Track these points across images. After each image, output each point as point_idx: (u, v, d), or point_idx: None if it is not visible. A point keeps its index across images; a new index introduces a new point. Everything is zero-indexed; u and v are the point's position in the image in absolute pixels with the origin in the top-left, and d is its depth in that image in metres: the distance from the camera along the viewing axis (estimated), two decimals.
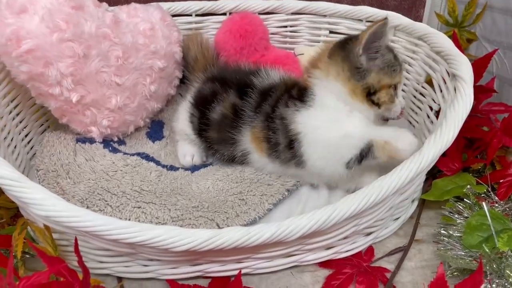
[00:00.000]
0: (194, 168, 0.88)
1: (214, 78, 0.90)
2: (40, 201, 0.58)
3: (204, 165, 0.89)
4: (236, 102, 0.81)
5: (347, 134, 0.71)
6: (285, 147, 0.75)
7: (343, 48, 0.73)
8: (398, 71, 0.74)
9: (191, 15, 1.12)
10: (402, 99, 0.76)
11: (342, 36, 1.10)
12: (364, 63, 0.72)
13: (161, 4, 1.03)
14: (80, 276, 0.57)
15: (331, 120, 0.73)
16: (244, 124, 0.80)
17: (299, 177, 0.80)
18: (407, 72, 1.02)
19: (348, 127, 0.72)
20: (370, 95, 0.72)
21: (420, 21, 1.29)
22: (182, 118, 0.90)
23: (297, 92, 0.77)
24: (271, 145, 0.77)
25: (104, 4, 0.87)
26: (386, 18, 0.71)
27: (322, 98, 0.74)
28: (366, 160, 0.71)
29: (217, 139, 0.84)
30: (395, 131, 0.71)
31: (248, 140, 0.80)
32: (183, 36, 1.04)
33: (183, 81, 1.07)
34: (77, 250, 0.59)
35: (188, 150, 0.90)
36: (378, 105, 0.73)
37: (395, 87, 0.74)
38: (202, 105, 0.85)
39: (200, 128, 0.86)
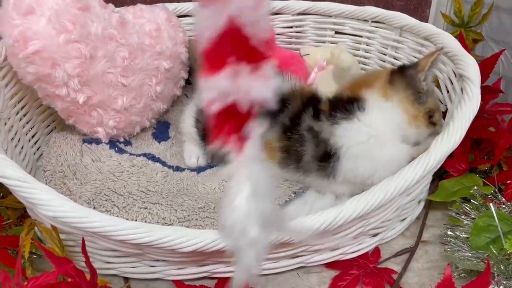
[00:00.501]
0: (200, 169, 0.88)
1: None
2: (47, 202, 0.58)
3: (210, 166, 0.89)
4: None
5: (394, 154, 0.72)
6: (313, 158, 0.74)
7: (405, 75, 0.75)
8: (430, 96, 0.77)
9: None
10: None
11: (348, 37, 1.13)
12: (425, 88, 0.74)
13: (167, 5, 1.03)
14: (87, 276, 0.58)
15: (374, 142, 0.72)
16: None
17: (307, 184, 0.80)
18: None
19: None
20: (430, 117, 0.75)
21: (426, 21, 1.29)
22: (188, 122, 0.90)
23: (328, 106, 0.76)
24: (292, 156, 0.76)
25: (111, 5, 0.87)
26: (442, 48, 0.77)
27: (374, 116, 0.73)
28: None
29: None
30: None
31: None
32: (190, 39, 1.04)
33: (188, 81, 1.07)
34: (84, 251, 0.60)
35: (193, 151, 0.90)
36: (435, 124, 0.76)
37: None
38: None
39: (205, 134, 0.87)
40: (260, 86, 0.32)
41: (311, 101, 0.78)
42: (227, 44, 0.30)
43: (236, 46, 0.30)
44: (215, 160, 0.91)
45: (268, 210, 0.39)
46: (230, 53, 0.31)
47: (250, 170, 0.37)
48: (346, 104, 0.75)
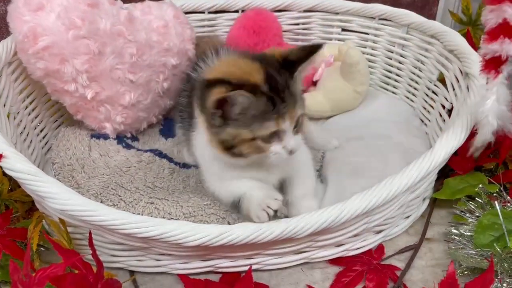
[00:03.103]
0: None
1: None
2: (56, 195, 0.59)
3: None
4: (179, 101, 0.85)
5: (223, 186, 0.71)
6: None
7: (203, 93, 0.63)
8: (277, 118, 0.61)
9: (203, 12, 1.13)
10: (291, 143, 0.64)
11: (354, 34, 1.13)
12: (218, 122, 0.62)
13: (174, 1, 1.04)
14: (94, 269, 0.59)
15: (208, 160, 0.71)
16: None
17: None
18: (420, 71, 1.01)
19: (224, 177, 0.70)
20: (229, 148, 0.64)
21: (434, 19, 1.29)
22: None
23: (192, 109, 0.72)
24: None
25: (119, 2, 0.88)
26: (238, 90, 0.58)
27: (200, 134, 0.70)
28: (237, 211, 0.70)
29: None
30: (260, 190, 0.68)
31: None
32: (199, 37, 1.05)
33: None
34: (91, 244, 0.60)
35: None
36: (242, 155, 0.64)
37: (273, 135, 0.63)
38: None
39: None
40: None
41: None
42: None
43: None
44: None
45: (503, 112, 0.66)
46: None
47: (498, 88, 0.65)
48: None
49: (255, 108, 0.60)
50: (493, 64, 0.64)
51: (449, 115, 0.87)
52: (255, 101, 0.60)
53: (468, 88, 0.76)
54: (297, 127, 0.65)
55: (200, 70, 0.76)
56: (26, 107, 0.86)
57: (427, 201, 0.84)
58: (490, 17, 0.62)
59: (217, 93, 0.59)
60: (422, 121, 1.01)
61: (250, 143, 0.63)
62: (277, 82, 0.62)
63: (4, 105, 0.77)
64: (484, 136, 0.68)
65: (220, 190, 0.72)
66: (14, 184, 0.82)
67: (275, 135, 0.63)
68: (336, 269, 0.73)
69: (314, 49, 0.64)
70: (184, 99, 0.81)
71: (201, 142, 0.70)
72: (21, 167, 0.61)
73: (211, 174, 0.73)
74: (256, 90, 0.60)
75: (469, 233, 0.73)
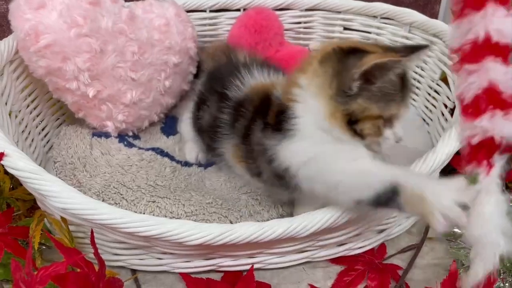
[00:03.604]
0: (207, 164, 0.88)
1: (204, 81, 0.89)
2: (58, 194, 0.59)
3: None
4: (216, 115, 0.76)
5: (357, 171, 0.59)
6: (272, 176, 0.67)
7: (341, 60, 0.59)
8: (398, 101, 0.59)
9: (205, 11, 1.12)
10: (400, 131, 0.62)
11: (356, 33, 1.13)
12: (355, 90, 0.57)
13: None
14: (96, 267, 0.59)
15: (322, 154, 0.61)
16: (224, 139, 0.75)
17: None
18: (422, 70, 1.01)
19: (352, 160, 0.60)
20: (351, 123, 0.59)
21: (436, 18, 1.28)
22: (186, 122, 0.90)
23: (274, 117, 0.65)
24: (252, 168, 0.71)
25: (120, 0, 0.88)
26: (404, 57, 0.57)
27: (305, 121, 0.61)
28: (388, 208, 0.56)
29: (208, 147, 0.83)
30: (433, 181, 0.57)
31: (230, 155, 0.76)
32: (203, 47, 1.05)
33: (197, 76, 1.08)
34: (93, 242, 0.60)
35: (194, 147, 0.90)
36: (361, 136, 0.60)
37: (389, 119, 0.60)
38: (197, 109, 0.85)
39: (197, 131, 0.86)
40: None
41: (263, 107, 0.68)
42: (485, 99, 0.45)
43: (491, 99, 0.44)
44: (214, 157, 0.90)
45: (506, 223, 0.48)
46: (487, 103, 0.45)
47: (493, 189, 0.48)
48: (277, 117, 0.64)
49: (391, 85, 0.58)
50: (484, 152, 0.46)
51: (451, 114, 0.87)
52: (394, 77, 0.58)
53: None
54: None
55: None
56: (28, 106, 0.86)
57: None
58: (470, 81, 0.45)
59: (374, 58, 0.55)
60: (424, 120, 1.01)
61: (373, 122, 0.59)
62: (401, 65, 0.58)
63: (6, 104, 0.77)
64: (487, 265, 0.48)
65: (355, 179, 0.58)
66: (16, 183, 0.82)
67: (389, 121, 0.60)
68: (338, 268, 0.73)
69: (420, 47, 0.62)
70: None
71: (299, 144, 0.62)
72: (23, 166, 0.60)
73: (334, 165, 0.60)
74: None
75: None
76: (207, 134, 0.80)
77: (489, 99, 0.43)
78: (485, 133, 0.45)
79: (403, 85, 0.60)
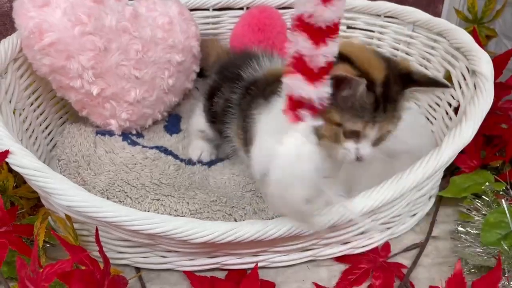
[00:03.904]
0: (210, 163, 0.89)
1: (219, 71, 0.90)
2: (63, 191, 0.59)
3: (220, 160, 0.90)
4: (229, 96, 0.80)
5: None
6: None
7: None
8: (367, 120, 0.60)
9: (208, 10, 1.12)
10: (364, 150, 0.62)
11: (360, 32, 1.12)
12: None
13: None
14: (101, 265, 0.59)
15: (276, 129, 0.61)
16: (232, 120, 0.78)
17: None
18: (426, 68, 1.01)
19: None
20: None
21: (439, 16, 1.28)
22: (200, 119, 0.90)
23: (270, 90, 0.68)
24: (243, 141, 0.75)
25: None
26: (363, 80, 0.57)
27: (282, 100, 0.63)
28: None
29: (219, 134, 0.85)
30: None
31: (235, 136, 0.79)
32: (206, 39, 1.05)
33: (200, 74, 1.08)
34: (98, 240, 0.61)
35: (199, 145, 0.91)
36: (318, 135, 0.59)
37: (354, 134, 0.61)
38: (209, 98, 0.87)
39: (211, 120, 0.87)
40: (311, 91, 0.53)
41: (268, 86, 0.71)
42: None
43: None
44: (223, 155, 0.91)
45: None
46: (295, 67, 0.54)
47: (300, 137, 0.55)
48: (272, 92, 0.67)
49: (359, 102, 0.59)
50: (293, 105, 0.54)
51: (456, 113, 0.87)
52: (365, 96, 0.59)
53: (475, 86, 0.75)
54: (379, 141, 0.64)
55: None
56: (32, 104, 0.86)
57: (433, 199, 0.83)
58: (290, 46, 0.53)
59: (342, 69, 0.56)
60: (428, 119, 1.01)
61: (332, 127, 0.61)
62: (389, 91, 0.60)
63: (10, 102, 0.77)
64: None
65: None
66: (19, 181, 0.82)
67: (355, 135, 0.62)
68: (342, 267, 0.73)
69: (439, 83, 0.63)
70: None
71: (269, 113, 0.66)
72: (28, 163, 0.61)
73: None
74: (371, 87, 0.59)
75: (475, 231, 0.73)
76: (219, 119, 0.82)
77: (297, 64, 0.53)
78: (290, 90, 0.54)
79: (378, 108, 0.60)
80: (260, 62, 0.81)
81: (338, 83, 0.57)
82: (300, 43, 0.52)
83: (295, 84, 0.53)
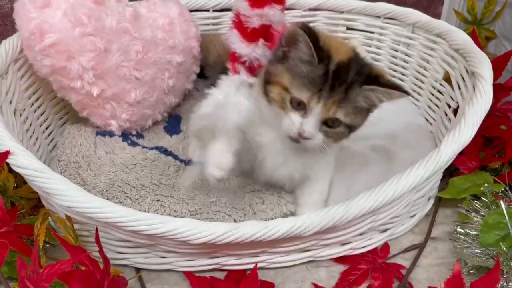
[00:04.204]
0: None
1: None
2: (63, 192, 0.59)
3: None
4: None
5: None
6: None
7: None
8: (311, 91, 0.61)
9: (208, 11, 1.13)
10: (307, 126, 0.63)
11: (359, 33, 1.13)
12: (279, 53, 0.64)
13: None
14: (101, 266, 0.59)
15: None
16: None
17: None
18: (425, 70, 1.01)
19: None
20: (266, 83, 0.66)
21: (439, 18, 1.29)
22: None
23: None
24: None
25: None
26: (303, 29, 0.60)
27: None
28: None
29: None
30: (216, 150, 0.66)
31: None
32: (202, 37, 1.05)
33: (200, 75, 1.08)
34: (98, 240, 0.61)
35: (198, 146, 0.90)
36: (268, 97, 0.65)
37: (300, 104, 0.63)
38: None
39: None
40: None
41: None
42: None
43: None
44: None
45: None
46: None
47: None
48: None
49: (311, 71, 0.62)
50: (234, 59, 0.65)
51: (455, 114, 0.87)
52: (315, 66, 0.61)
53: (474, 87, 0.76)
54: (328, 129, 0.64)
55: None
56: (32, 104, 0.86)
57: (432, 200, 0.84)
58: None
59: (294, 26, 0.60)
60: (427, 120, 1.01)
61: (281, 91, 0.64)
62: (344, 74, 0.62)
63: (11, 102, 0.77)
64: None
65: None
66: (20, 181, 0.82)
67: (302, 109, 0.63)
68: (341, 268, 0.73)
69: (398, 87, 0.63)
70: None
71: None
72: (29, 164, 0.61)
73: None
74: (328, 60, 0.61)
75: (474, 232, 0.74)
76: None
77: (235, 21, 0.62)
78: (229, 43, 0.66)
79: (326, 81, 0.61)
80: None
81: (289, 43, 0.62)
82: (238, 2, 0.59)
83: (231, 38, 0.61)
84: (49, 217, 0.71)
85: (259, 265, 0.69)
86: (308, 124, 0.63)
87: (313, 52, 0.60)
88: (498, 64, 0.89)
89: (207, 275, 0.70)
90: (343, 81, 0.62)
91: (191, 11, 1.06)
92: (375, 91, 0.63)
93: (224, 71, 0.90)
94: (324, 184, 0.79)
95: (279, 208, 0.76)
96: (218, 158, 0.65)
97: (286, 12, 1.12)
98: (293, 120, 0.64)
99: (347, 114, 0.63)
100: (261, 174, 0.77)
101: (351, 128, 0.66)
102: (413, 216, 0.80)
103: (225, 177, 0.65)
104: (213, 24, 1.15)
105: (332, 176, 0.80)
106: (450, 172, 0.87)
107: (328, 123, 0.64)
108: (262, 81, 0.67)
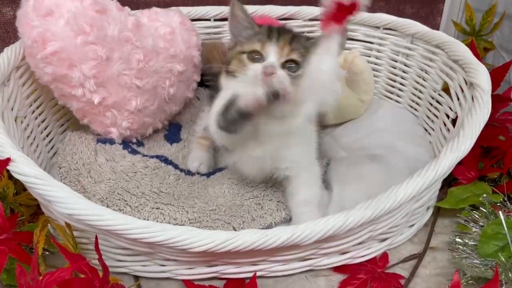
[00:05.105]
0: (209, 173, 0.89)
1: None
2: (63, 199, 0.59)
3: (219, 169, 0.90)
4: None
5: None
6: None
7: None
8: (260, 39, 0.72)
9: (209, 20, 1.13)
10: (269, 60, 0.71)
11: (359, 43, 1.13)
12: (232, 39, 0.78)
13: (181, 8, 1.05)
14: (100, 273, 0.59)
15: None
16: None
17: None
18: (424, 80, 1.02)
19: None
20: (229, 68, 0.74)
21: (437, 29, 1.29)
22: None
23: None
24: None
25: (127, 8, 0.89)
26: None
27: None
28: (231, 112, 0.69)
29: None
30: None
31: None
32: (207, 43, 1.06)
33: (200, 84, 1.08)
34: (97, 248, 0.61)
35: (198, 156, 0.91)
36: (232, 73, 0.73)
37: (257, 54, 0.72)
38: None
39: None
40: None
41: None
42: None
43: None
44: (221, 165, 0.92)
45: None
46: None
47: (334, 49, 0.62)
48: None
49: (251, 30, 0.76)
50: (342, 14, 0.60)
51: (453, 125, 0.87)
52: (251, 25, 0.76)
53: (473, 98, 0.76)
54: (289, 68, 0.71)
55: None
56: (33, 111, 0.86)
57: (431, 210, 0.84)
58: None
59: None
60: (426, 130, 1.02)
61: (238, 58, 0.73)
62: (287, 31, 0.75)
63: (12, 109, 0.78)
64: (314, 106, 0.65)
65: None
66: (19, 188, 0.82)
67: (260, 58, 0.72)
68: (340, 277, 0.73)
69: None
70: None
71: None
72: (29, 171, 0.61)
73: None
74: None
75: (473, 243, 0.74)
76: None
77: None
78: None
79: (270, 35, 0.72)
80: None
81: (232, 21, 0.76)
82: None
83: None
84: (49, 224, 0.71)
85: (258, 273, 0.69)
86: (270, 60, 0.71)
87: (249, 17, 0.75)
88: (496, 75, 0.90)
89: (206, 283, 0.70)
90: (287, 32, 0.74)
91: (192, 20, 1.07)
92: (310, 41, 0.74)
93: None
94: (313, 189, 0.79)
95: (278, 213, 0.76)
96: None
97: (286, 22, 1.15)
98: (254, 68, 0.70)
99: (300, 56, 0.71)
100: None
101: None
102: (412, 225, 0.80)
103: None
104: (214, 33, 1.15)
105: (319, 174, 0.81)
106: (449, 182, 0.88)
107: (287, 67, 0.71)
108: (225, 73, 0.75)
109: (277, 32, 0.73)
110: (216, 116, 0.71)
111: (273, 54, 0.71)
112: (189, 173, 0.88)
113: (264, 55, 0.71)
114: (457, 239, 0.76)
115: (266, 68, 0.68)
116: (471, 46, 0.91)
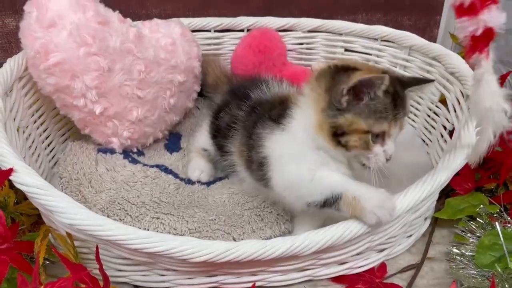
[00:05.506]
0: (209, 182, 0.90)
1: (229, 90, 0.94)
2: (65, 210, 0.60)
3: (219, 179, 0.91)
4: (235, 113, 0.83)
5: (315, 178, 0.67)
6: (256, 166, 0.73)
7: (333, 77, 0.65)
8: (389, 119, 0.64)
9: (210, 31, 1.15)
10: (390, 149, 0.66)
11: (358, 55, 1.15)
12: (344, 104, 0.63)
13: (182, 19, 1.06)
14: (100, 283, 0.59)
15: (297, 154, 0.68)
16: (234, 136, 0.81)
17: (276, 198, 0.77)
18: (421, 91, 1.03)
19: (316, 168, 0.67)
20: (337, 135, 0.65)
21: (434, 41, 1.31)
22: (203, 139, 0.93)
23: (278, 112, 0.72)
24: (247, 161, 0.77)
25: (128, 20, 0.90)
26: (386, 74, 0.62)
27: (297, 123, 0.69)
28: (330, 209, 0.66)
29: (220, 148, 0.87)
30: (369, 189, 0.65)
31: (236, 152, 0.81)
32: (205, 54, 1.07)
33: (200, 94, 1.10)
34: (98, 258, 0.61)
35: (198, 165, 0.91)
36: (346, 147, 0.65)
37: (380, 136, 0.65)
38: (215, 114, 0.89)
39: (213, 135, 0.89)
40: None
41: (275, 107, 0.75)
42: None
43: None
44: (222, 173, 0.93)
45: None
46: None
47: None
48: (280, 112, 0.72)
49: (381, 103, 0.63)
50: (484, 41, 0.57)
51: (451, 136, 0.88)
52: (383, 96, 0.63)
53: (469, 110, 0.77)
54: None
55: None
56: (35, 121, 0.87)
57: (428, 221, 0.85)
58: None
59: (360, 75, 0.61)
60: (424, 141, 1.03)
61: (360, 136, 0.64)
62: (396, 88, 0.65)
63: (14, 119, 0.79)
64: (490, 134, 0.61)
65: (310, 184, 0.67)
66: (20, 197, 0.82)
67: (380, 138, 0.65)
68: (339, 287, 0.73)
69: (425, 80, 0.71)
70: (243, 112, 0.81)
71: (285, 138, 0.69)
72: (31, 181, 0.62)
73: (300, 166, 0.68)
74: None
75: (470, 253, 0.74)
76: (222, 133, 0.85)
77: None
78: (485, 24, 0.56)
79: (396, 105, 0.65)
80: (270, 86, 0.83)
81: (358, 90, 0.62)
82: None
83: (493, 16, 0.57)
84: (50, 234, 0.71)
85: (257, 284, 0.70)
86: (391, 147, 0.66)
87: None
88: None
89: None
90: (400, 96, 0.66)
91: (193, 31, 1.08)
92: (413, 91, 0.69)
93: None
94: None
95: (277, 226, 0.76)
96: None
97: (285, 33, 1.16)
98: (378, 153, 0.66)
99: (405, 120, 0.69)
100: None
101: None
102: (410, 236, 0.81)
103: None
104: (214, 44, 1.17)
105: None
106: (446, 192, 0.88)
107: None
108: (328, 135, 0.65)
109: (401, 101, 0.65)
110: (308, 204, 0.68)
111: (395, 133, 0.66)
112: (189, 182, 0.88)
113: (386, 135, 0.65)
114: (454, 250, 0.76)
115: (390, 156, 0.66)
116: None
